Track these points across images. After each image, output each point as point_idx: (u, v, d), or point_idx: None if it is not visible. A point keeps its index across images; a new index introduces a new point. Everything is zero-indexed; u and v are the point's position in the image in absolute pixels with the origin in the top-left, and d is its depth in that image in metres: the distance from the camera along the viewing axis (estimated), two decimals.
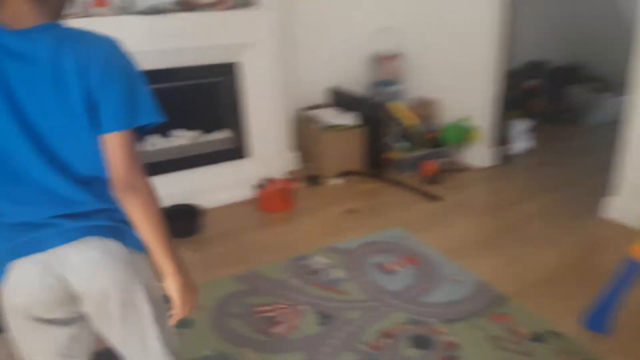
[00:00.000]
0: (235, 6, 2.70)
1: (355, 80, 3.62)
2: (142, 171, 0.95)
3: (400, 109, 3.36)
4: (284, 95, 2.97)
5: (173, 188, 2.66)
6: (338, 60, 3.54)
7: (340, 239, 2.43)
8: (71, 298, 0.96)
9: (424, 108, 3.55)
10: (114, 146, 0.92)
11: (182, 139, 2.76)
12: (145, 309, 1.01)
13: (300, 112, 3.38)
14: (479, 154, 3.35)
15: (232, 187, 2.83)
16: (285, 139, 3.01)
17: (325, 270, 2.18)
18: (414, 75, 3.66)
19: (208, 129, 2.88)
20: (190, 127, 2.83)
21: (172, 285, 1.01)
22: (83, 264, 0.95)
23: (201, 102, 2.81)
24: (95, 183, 0.97)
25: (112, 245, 0.97)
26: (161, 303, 1.06)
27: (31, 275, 0.93)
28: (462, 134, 3.30)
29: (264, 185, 2.76)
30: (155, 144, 2.70)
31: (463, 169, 3.29)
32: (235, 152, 2.87)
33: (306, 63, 3.40)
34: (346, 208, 2.76)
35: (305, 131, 3.31)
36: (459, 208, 2.76)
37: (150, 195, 0.94)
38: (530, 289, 2.02)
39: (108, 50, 0.93)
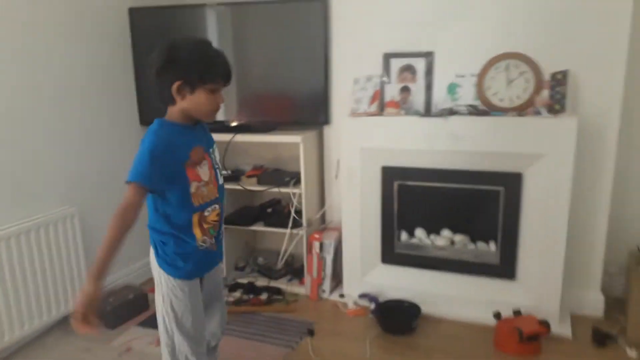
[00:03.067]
0: (538, 112, 2.41)
1: None
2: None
3: None
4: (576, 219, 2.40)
5: (417, 284, 2.66)
6: None
7: None
8: None
9: None
10: None
11: (446, 240, 2.67)
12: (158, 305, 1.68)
13: (633, 248, 2.55)
14: None
15: (477, 306, 2.51)
16: (561, 273, 2.37)
17: None
18: None
19: (475, 237, 2.66)
20: (457, 231, 2.70)
21: None
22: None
23: (475, 208, 2.63)
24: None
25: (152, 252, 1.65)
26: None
27: None
28: None
29: (507, 319, 2.31)
30: (421, 238, 2.73)
31: None
32: (496, 269, 2.53)
33: None
34: None
35: (629, 274, 2.46)
36: None
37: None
38: None
39: None
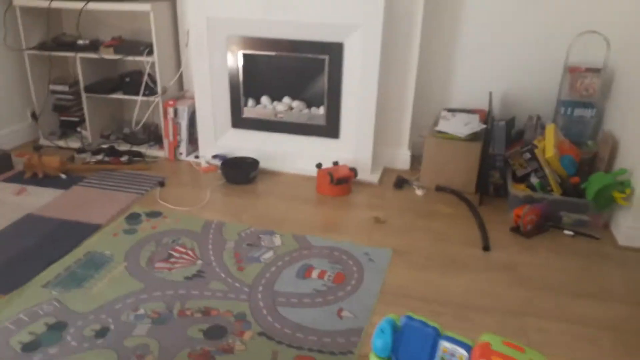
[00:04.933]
0: None
1: (533, 92, 2.97)
2: None
3: (549, 136, 2.59)
4: (385, 86, 2.88)
5: (261, 145, 3.06)
6: (513, 65, 2.96)
7: (323, 234, 2.35)
8: None
9: (603, 146, 2.60)
10: None
11: (285, 106, 3.05)
12: None
13: (438, 113, 3.08)
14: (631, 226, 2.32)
15: (308, 161, 2.97)
16: (373, 130, 2.85)
17: (264, 250, 2.22)
18: (616, 100, 2.68)
19: (310, 103, 3.07)
20: (295, 98, 3.09)
21: None
22: None
23: (307, 76, 3.01)
24: None
25: None
26: None
27: None
28: (607, 190, 2.31)
29: (326, 168, 2.79)
30: (266, 105, 3.09)
31: (596, 238, 2.35)
32: (324, 129, 2.97)
33: (467, 60, 3.02)
34: (375, 215, 2.52)
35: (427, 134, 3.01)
36: (502, 276, 2.11)
37: None
38: None
39: None
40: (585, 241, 2.33)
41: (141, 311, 1.81)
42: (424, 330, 1.19)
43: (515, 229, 2.39)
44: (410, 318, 1.23)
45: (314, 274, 2.05)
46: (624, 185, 2.31)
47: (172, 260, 2.13)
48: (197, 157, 3.16)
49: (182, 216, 2.49)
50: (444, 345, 1.16)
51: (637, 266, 2.18)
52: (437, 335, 1.18)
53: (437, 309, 1.85)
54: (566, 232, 2.38)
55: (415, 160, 3.12)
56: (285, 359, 1.60)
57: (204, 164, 3.09)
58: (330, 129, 2.97)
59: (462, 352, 1.13)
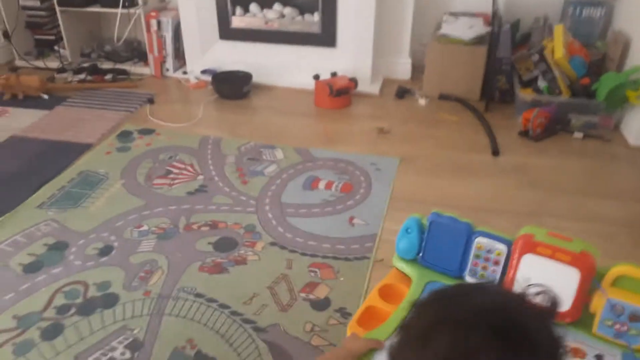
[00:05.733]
0: None
1: None
2: None
3: (558, 36, 2.46)
4: None
5: (252, 57, 2.88)
6: None
7: (326, 147, 2.25)
8: None
9: (614, 46, 2.49)
10: None
11: (277, 13, 2.84)
12: None
13: (440, 19, 2.88)
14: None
15: (303, 73, 2.77)
16: (372, 38, 2.68)
17: (266, 164, 2.12)
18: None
19: (304, 9, 2.84)
20: (287, 4, 2.85)
21: None
22: None
23: None
24: None
25: None
26: None
27: None
28: (620, 90, 2.23)
29: (324, 79, 2.64)
30: (256, 13, 2.87)
31: (606, 139, 2.29)
32: (319, 38, 2.79)
33: None
34: (378, 126, 2.41)
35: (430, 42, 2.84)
36: (513, 179, 2.05)
37: None
38: None
39: None
40: (595, 143, 2.28)
41: (145, 227, 1.74)
42: (456, 226, 1.12)
43: (524, 133, 2.32)
44: (438, 215, 1.16)
45: (321, 185, 1.98)
46: (638, 84, 2.22)
47: (172, 176, 2.03)
48: (185, 72, 2.97)
49: (175, 133, 2.37)
50: (479, 241, 1.09)
51: None
52: (471, 231, 1.12)
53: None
54: (575, 134, 2.32)
55: (416, 69, 2.97)
56: (301, 266, 1.56)
57: (192, 80, 2.91)
58: (326, 37, 2.78)
59: (501, 247, 1.07)
